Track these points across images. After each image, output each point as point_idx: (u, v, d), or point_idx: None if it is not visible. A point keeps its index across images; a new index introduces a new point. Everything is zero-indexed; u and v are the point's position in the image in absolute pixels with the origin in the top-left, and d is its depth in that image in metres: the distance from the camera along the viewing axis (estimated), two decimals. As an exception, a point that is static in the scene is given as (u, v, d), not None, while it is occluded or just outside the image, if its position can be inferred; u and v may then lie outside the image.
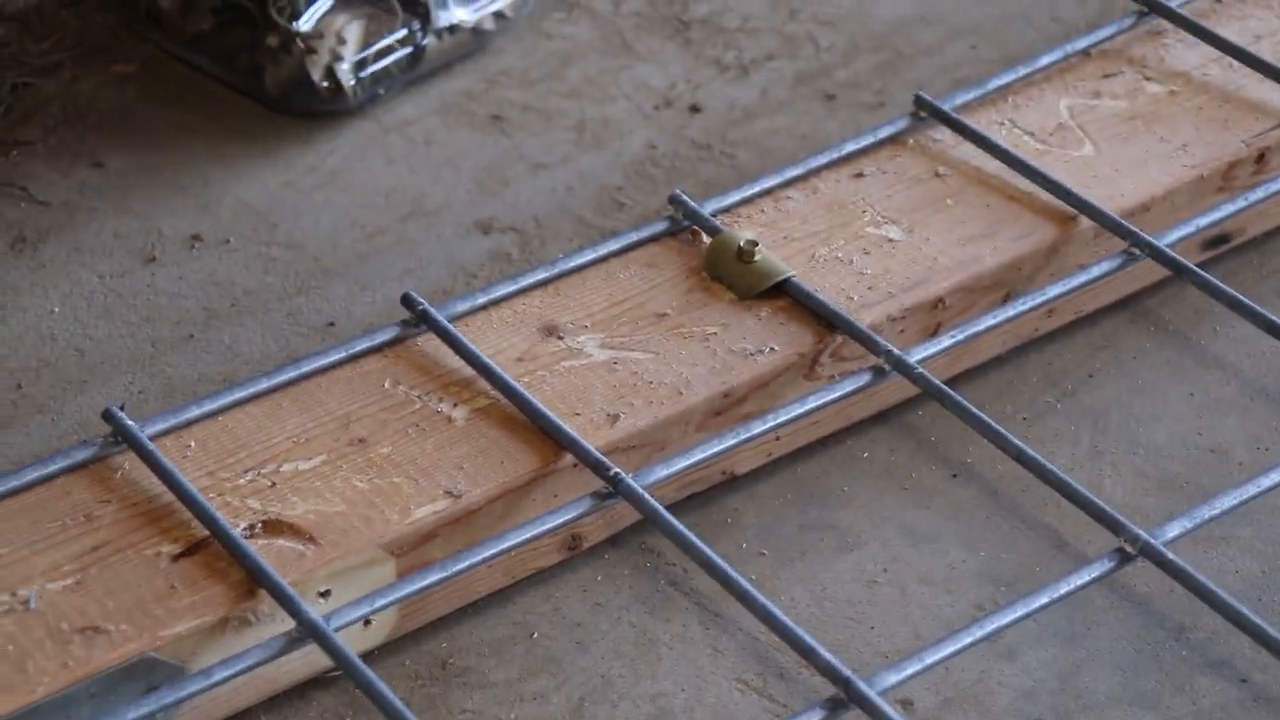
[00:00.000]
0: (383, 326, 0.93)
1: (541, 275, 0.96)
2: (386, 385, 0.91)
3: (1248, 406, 0.97)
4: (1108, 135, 1.06)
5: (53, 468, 0.85)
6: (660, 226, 0.99)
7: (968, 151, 1.04)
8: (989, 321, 0.96)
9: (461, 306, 0.94)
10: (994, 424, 0.90)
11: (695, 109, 1.15)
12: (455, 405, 0.90)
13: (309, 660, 0.83)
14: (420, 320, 0.93)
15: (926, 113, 1.05)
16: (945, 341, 0.94)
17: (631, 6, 1.21)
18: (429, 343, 0.93)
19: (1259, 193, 1.02)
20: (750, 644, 0.87)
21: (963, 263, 0.98)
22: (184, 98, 1.13)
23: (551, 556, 0.90)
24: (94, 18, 1.17)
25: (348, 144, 1.12)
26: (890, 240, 1.00)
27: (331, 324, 1.01)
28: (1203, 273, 0.97)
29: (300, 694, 0.84)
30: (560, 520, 0.85)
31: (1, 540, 0.83)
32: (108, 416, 0.87)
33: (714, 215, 1.00)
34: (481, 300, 0.95)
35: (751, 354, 0.93)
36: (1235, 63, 1.09)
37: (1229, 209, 1.01)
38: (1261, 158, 1.05)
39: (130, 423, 0.86)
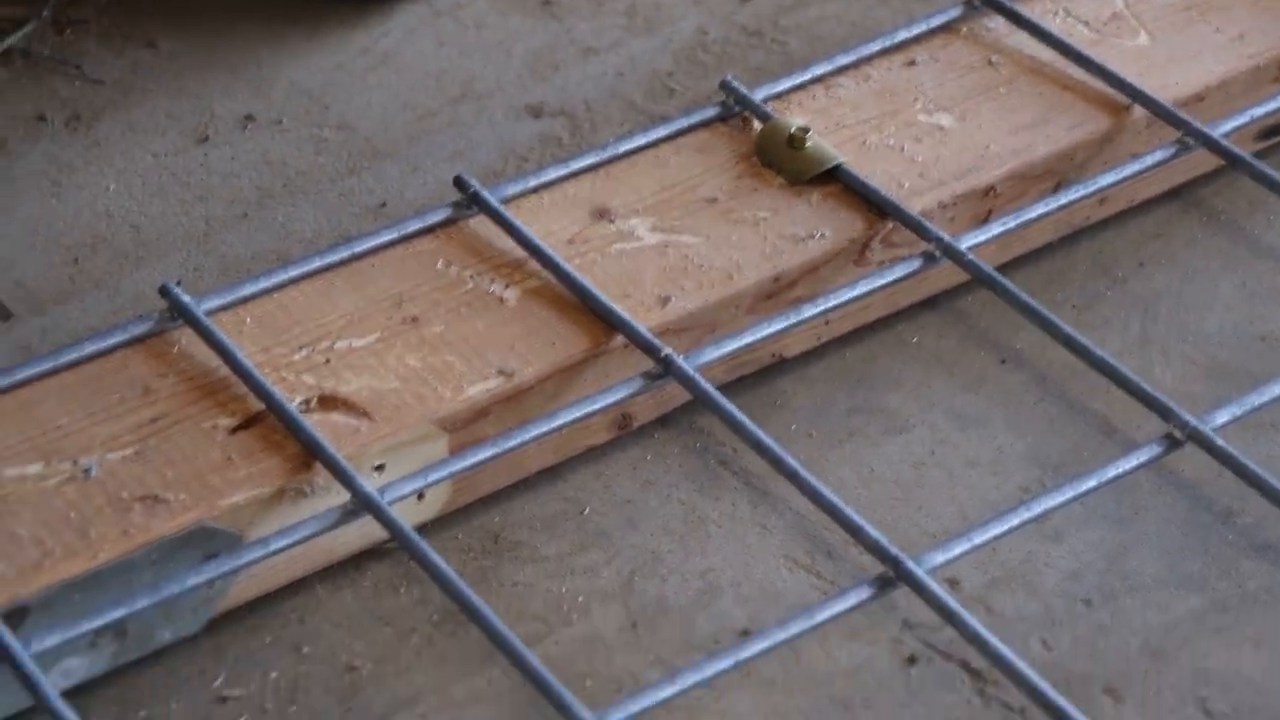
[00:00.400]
0: (435, 207, 0.94)
1: (592, 159, 0.97)
2: (439, 265, 0.92)
3: (1298, 296, 0.97)
4: (1163, 24, 1.05)
5: (111, 341, 0.86)
6: (711, 112, 0.99)
7: (1021, 40, 1.04)
8: (1040, 209, 0.96)
9: (513, 189, 0.95)
10: (1044, 310, 0.90)
11: (746, -5, 1.14)
12: (507, 286, 0.91)
13: (363, 532, 0.84)
14: (472, 202, 0.93)
15: (980, 1, 1.05)
16: (996, 229, 0.95)
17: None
18: (481, 224, 0.93)
19: (1314, 83, 1.02)
20: (798, 523, 0.87)
21: (1015, 151, 0.98)
22: (235, -20, 1.14)
23: (602, 435, 0.90)
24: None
25: (399, 26, 1.12)
26: (941, 128, 1.00)
27: (383, 204, 1.02)
28: (1257, 162, 0.97)
29: (355, 564, 0.85)
30: (611, 399, 0.86)
31: (61, 410, 0.84)
32: (164, 292, 0.88)
33: (765, 101, 1.00)
34: (533, 183, 0.95)
35: (802, 239, 0.94)
36: (1292, -47, 1.08)
37: (1283, 99, 1.01)
38: (1317, 48, 1.05)
39: (187, 298, 0.87)
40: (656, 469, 0.90)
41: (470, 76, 1.09)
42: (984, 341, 0.96)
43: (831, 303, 0.91)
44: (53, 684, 0.74)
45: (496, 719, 0.79)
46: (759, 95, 1.00)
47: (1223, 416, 0.87)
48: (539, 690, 0.75)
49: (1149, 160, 0.98)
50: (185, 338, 0.87)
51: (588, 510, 0.88)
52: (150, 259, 0.98)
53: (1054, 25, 1.04)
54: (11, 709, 0.78)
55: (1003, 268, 0.97)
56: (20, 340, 0.93)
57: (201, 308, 0.87)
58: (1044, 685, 0.76)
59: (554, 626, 0.83)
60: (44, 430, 0.83)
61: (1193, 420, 0.86)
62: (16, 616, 0.76)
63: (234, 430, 0.84)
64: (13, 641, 0.74)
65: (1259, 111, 1.00)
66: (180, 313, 0.87)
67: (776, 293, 0.93)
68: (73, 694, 0.78)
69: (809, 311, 0.91)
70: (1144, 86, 1.00)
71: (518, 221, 0.92)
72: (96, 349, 0.86)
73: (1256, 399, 0.88)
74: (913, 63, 1.03)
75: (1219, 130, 0.98)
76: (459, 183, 0.94)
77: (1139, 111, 1.00)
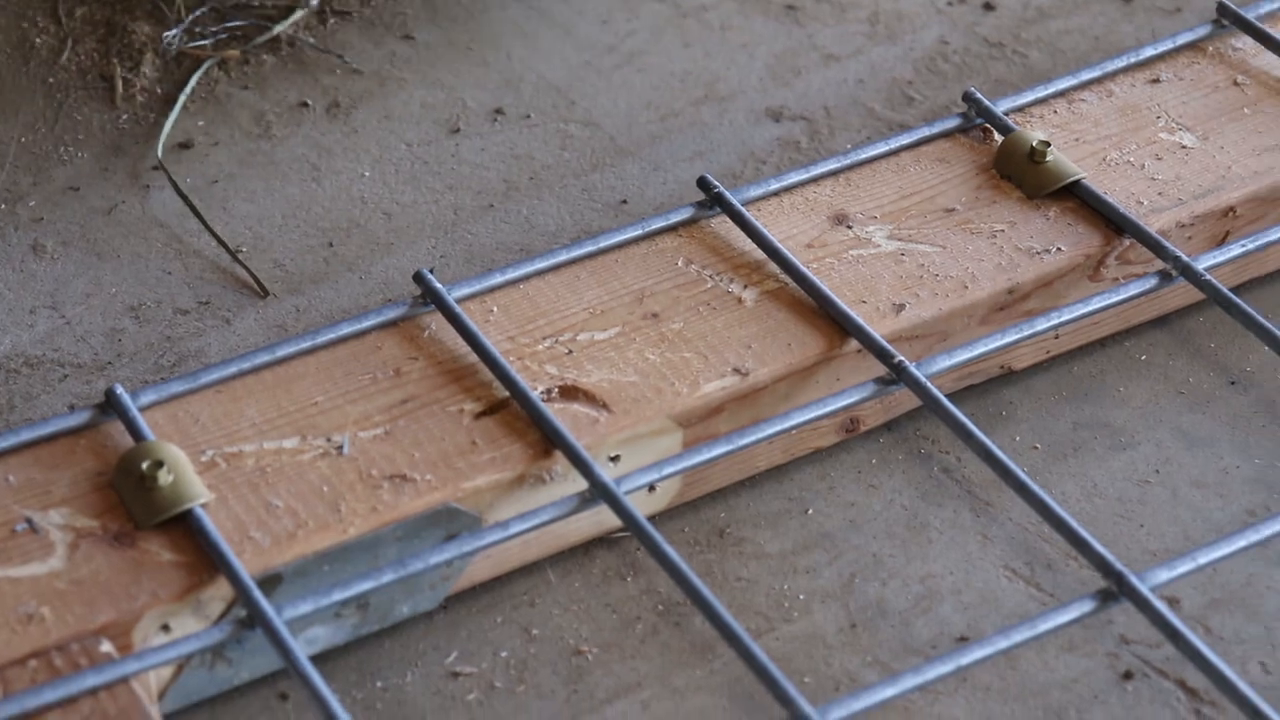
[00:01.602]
0: (678, 206, 0.96)
1: (833, 165, 0.98)
2: (680, 263, 0.94)
3: None
4: None
5: (366, 324, 0.90)
6: (952, 122, 1.01)
7: (1269, 61, 1.03)
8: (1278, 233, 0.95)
9: (754, 191, 0.97)
10: (1278, 331, 0.90)
11: (989, 6, 1.15)
12: (745, 286, 0.93)
13: (596, 520, 0.87)
14: (714, 202, 0.96)
15: (1229, 20, 1.05)
16: (1234, 250, 0.94)
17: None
18: (721, 225, 0.96)
19: None
20: (1019, 534, 0.89)
21: (1257, 173, 0.98)
22: (490, -25, 1.17)
23: (829, 437, 0.92)
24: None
25: (646, 26, 1.14)
26: (1183, 147, 1.00)
27: (624, 201, 1.05)
28: None
29: (585, 551, 0.88)
30: (843, 403, 0.88)
31: (317, 388, 0.88)
32: (418, 278, 0.91)
33: (1007, 114, 1.01)
34: (774, 186, 0.97)
35: (1038, 253, 0.94)
36: None
37: None
38: None
39: (439, 285, 0.91)
40: (881, 474, 0.92)
41: (713, 78, 1.12)
42: (1214, 362, 0.96)
43: (1064, 317, 0.92)
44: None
45: (717, 709, 0.82)
46: (1001, 107, 1.01)
47: None
48: (763, 682, 0.77)
49: (1392, 188, 0.97)
50: (436, 323, 0.91)
51: (811, 510, 0.90)
52: (400, 245, 1.02)
53: (1302, 47, 1.04)
54: (261, 670, 0.82)
55: (1237, 290, 0.97)
56: (275, 319, 0.98)
57: (452, 295, 0.91)
58: (1265, 705, 0.76)
59: (775, 622, 0.85)
60: (300, 406, 0.87)
61: None
62: (270, 583, 0.81)
63: (479, 415, 0.87)
64: (268, 607, 0.78)
65: None
66: (432, 298, 0.91)
67: (1010, 305, 0.94)
68: (316, 660, 0.82)
69: (1041, 325, 0.91)
70: (1390, 113, 0.99)
71: (758, 223, 0.94)
72: (353, 330, 0.90)
73: None
74: (1157, 80, 1.03)
75: None
76: (702, 183, 0.96)
77: (1385, 138, 0.99)
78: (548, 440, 0.86)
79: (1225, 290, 0.92)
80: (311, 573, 0.81)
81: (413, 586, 0.84)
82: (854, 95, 1.10)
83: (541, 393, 0.88)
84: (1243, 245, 0.95)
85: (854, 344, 0.90)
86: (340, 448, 0.85)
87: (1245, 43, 1.04)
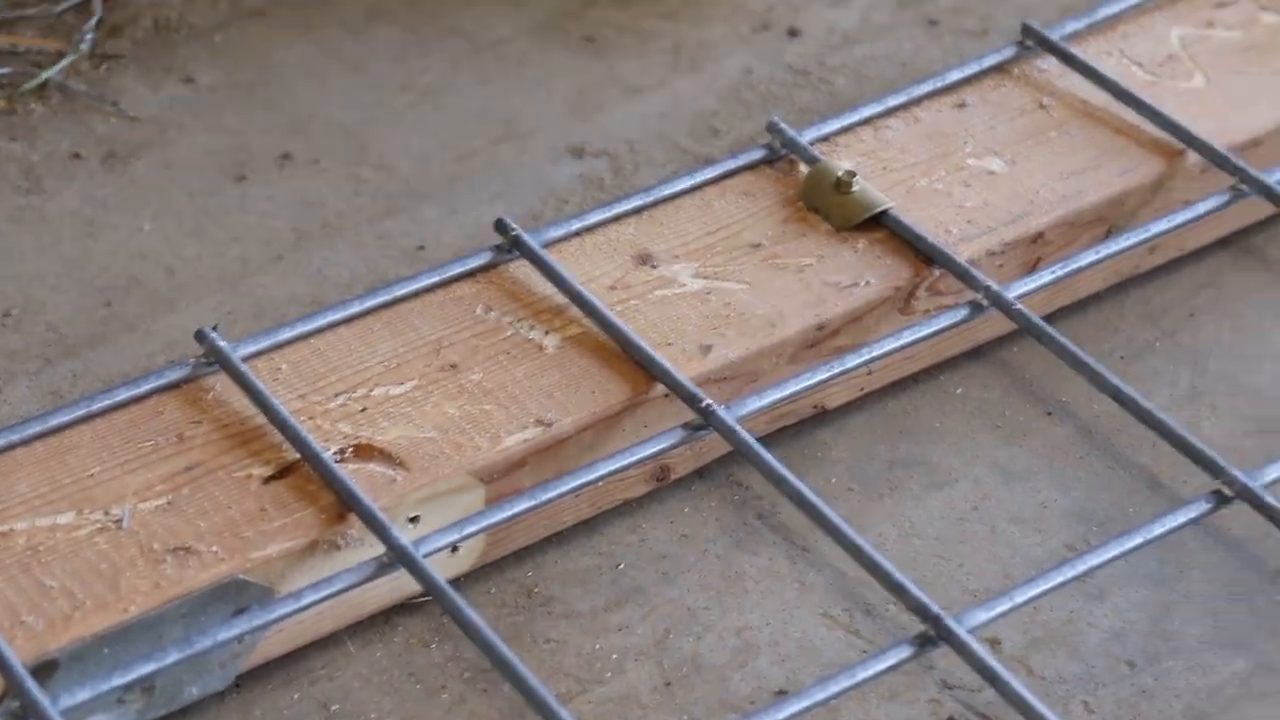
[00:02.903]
0: (475, 251, 0.92)
1: (636, 202, 0.95)
2: (478, 311, 0.91)
3: (1354, 350, 0.96)
4: (1219, 67, 1.03)
5: (146, 387, 0.86)
6: (757, 154, 0.98)
7: (1074, 83, 1.02)
8: (1090, 258, 0.94)
9: (555, 233, 0.93)
10: (1091, 362, 0.88)
11: (794, 33, 1.13)
12: (547, 332, 0.90)
13: (396, 586, 0.83)
14: (513, 246, 0.92)
15: (1033, 41, 1.03)
16: (1045, 277, 0.93)
17: (730, -75, 1.19)
18: (521, 269, 0.92)
19: (1372, 130, 1.00)
20: (837, 579, 0.86)
21: (1065, 197, 0.97)
22: (275, 13, 1.13)
23: (639, 487, 0.89)
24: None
25: (440, 63, 1.11)
26: (991, 173, 0.98)
27: (421, 247, 1.01)
28: (1312, 212, 0.95)
29: (386, 619, 0.84)
30: (650, 451, 0.85)
31: (94, 459, 0.83)
32: (200, 337, 0.87)
33: (812, 144, 0.98)
34: (575, 226, 0.94)
35: (847, 286, 0.92)
36: (1352, -6, 1.06)
37: (1341, 146, 0.99)
38: (1376, 93, 1.03)
39: (223, 344, 0.86)
40: (693, 522, 0.89)
41: (512, 114, 1.08)
42: (1029, 393, 0.95)
43: (875, 352, 0.90)
44: (80, 740, 0.74)
45: (528, 778, 0.79)
46: (806, 137, 0.99)
47: (1273, 473, 0.85)
48: (571, 754, 0.74)
49: (1202, 208, 0.96)
50: (221, 384, 0.86)
51: (623, 565, 0.87)
52: (183, 302, 0.97)
53: (1108, 67, 1.02)
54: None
55: (1050, 317, 0.96)
56: (49, 385, 0.93)
57: (238, 353, 0.86)
58: (1087, 756, 0.74)
59: (587, 684, 0.82)
60: (76, 478, 0.82)
61: (1242, 476, 0.84)
62: (45, 670, 0.76)
63: (268, 480, 0.83)
64: (41, 697, 0.73)
65: (1316, 159, 0.98)
66: (216, 358, 0.86)
67: (820, 341, 0.91)
68: (101, 747, 0.78)
69: (852, 361, 0.89)
70: (1198, 131, 0.98)
71: (559, 266, 0.91)
72: (130, 395, 0.85)
73: (1309, 458, 0.86)
74: (963, 104, 1.02)
75: (1275, 177, 0.96)
76: (500, 226, 0.93)
77: (1193, 157, 0.98)
78: (342, 503, 0.82)
79: (1036, 319, 0.90)
80: (90, 657, 0.77)
81: (201, 666, 0.80)
82: (658, 128, 1.07)
83: (334, 453, 0.84)
84: (1053, 272, 0.93)
85: (661, 388, 0.87)
86: (119, 521, 0.81)
87: (1050, 64, 1.03)
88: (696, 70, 1.11)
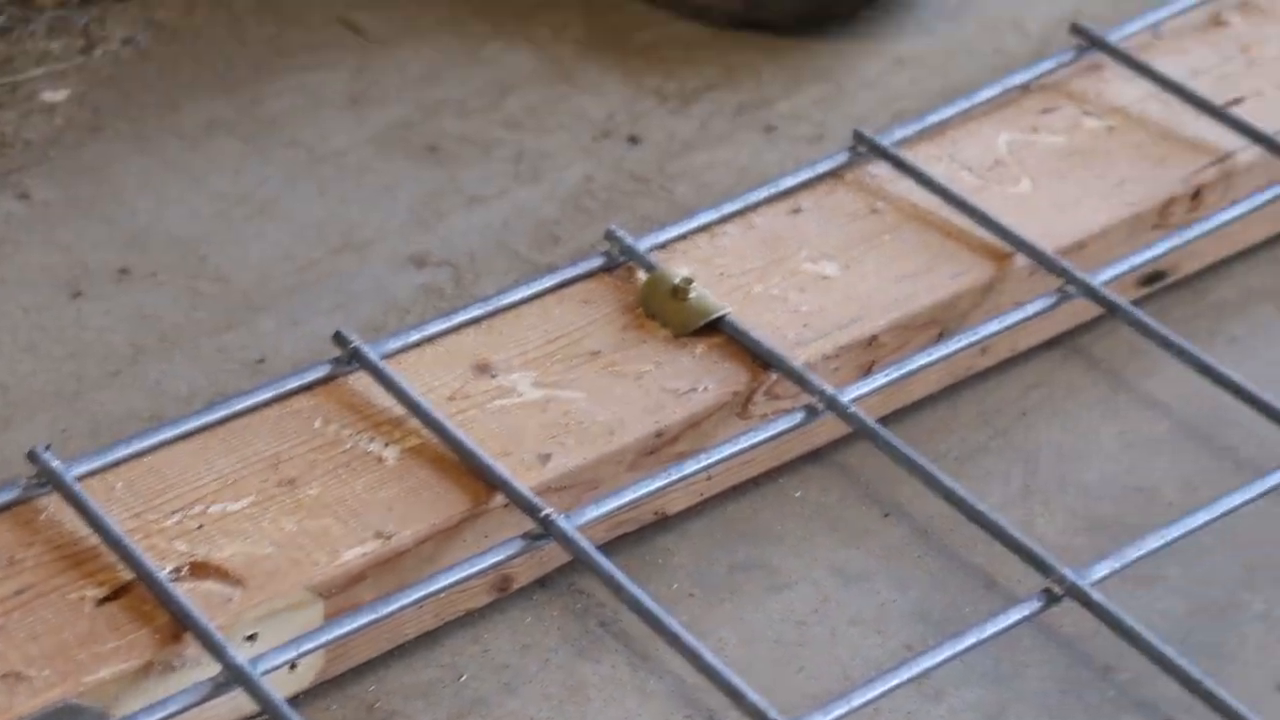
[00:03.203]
0: (313, 364, 0.92)
1: (476, 312, 0.96)
2: (317, 424, 0.90)
3: (1178, 446, 0.98)
4: (1046, 171, 1.06)
5: (-25, 509, 0.85)
6: (596, 262, 0.99)
7: (906, 187, 1.04)
8: (922, 360, 0.96)
9: (394, 344, 0.94)
10: (924, 463, 0.90)
11: (634, 140, 1.14)
12: (386, 445, 0.90)
13: (234, 706, 0.82)
14: (352, 358, 0.92)
15: (865, 148, 1.05)
16: (878, 380, 0.94)
17: (573, 33, 1.21)
18: (360, 381, 0.92)
19: (1194, 230, 1.02)
20: (679, 686, 0.86)
21: (898, 300, 0.98)
22: (112, 126, 1.12)
23: (480, 598, 0.89)
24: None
25: (280, 174, 1.11)
26: (826, 277, 1.00)
27: (261, 360, 1.00)
28: (1136, 311, 0.97)
29: (225, 738, 0.83)
30: (490, 562, 0.85)
31: (-78, 584, 0.82)
32: (32, 457, 0.86)
33: (650, 251, 1.00)
34: (415, 337, 0.94)
35: (685, 392, 0.93)
36: (1173, 98, 1.09)
37: (1164, 246, 1.01)
38: (1198, 194, 1.05)
39: (56, 463, 0.85)
40: (536, 632, 0.89)
41: (352, 225, 1.08)
42: (867, 495, 0.96)
43: (714, 458, 0.90)
44: None
45: None
46: (643, 245, 1.00)
47: (1101, 570, 0.87)
48: None
49: (1030, 309, 0.98)
50: (53, 504, 0.85)
51: (465, 677, 0.87)
52: (17, 420, 0.96)
53: (938, 171, 1.05)
54: None
55: (886, 418, 0.97)
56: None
57: (71, 473, 0.86)
58: None
59: (429, 799, 0.81)
60: (-97, 605, 0.81)
61: (1070, 575, 0.86)
62: None
63: (102, 601, 0.82)
64: None
65: (1139, 259, 1.01)
66: (49, 479, 0.85)
67: (659, 448, 0.92)
68: None
69: (691, 467, 0.90)
70: (1026, 234, 1.00)
71: (398, 377, 0.91)
72: (-40, 518, 0.84)
73: (1133, 552, 0.88)
74: (798, 210, 1.03)
75: (1099, 278, 0.99)
76: (339, 338, 0.93)
77: (1021, 259, 1.00)
78: (177, 623, 0.81)
79: (870, 422, 0.92)
80: (-83, 788, 0.75)
81: (33, 793, 0.78)
82: (499, 237, 1.08)
83: (170, 572, 0.83)
84: (886, 375, 0.95)
85: (501, 498, 0.87)
86: (-53, 648, 0.79)
87: (882, 169, 1.05)
88: (538, 179, 1.12)
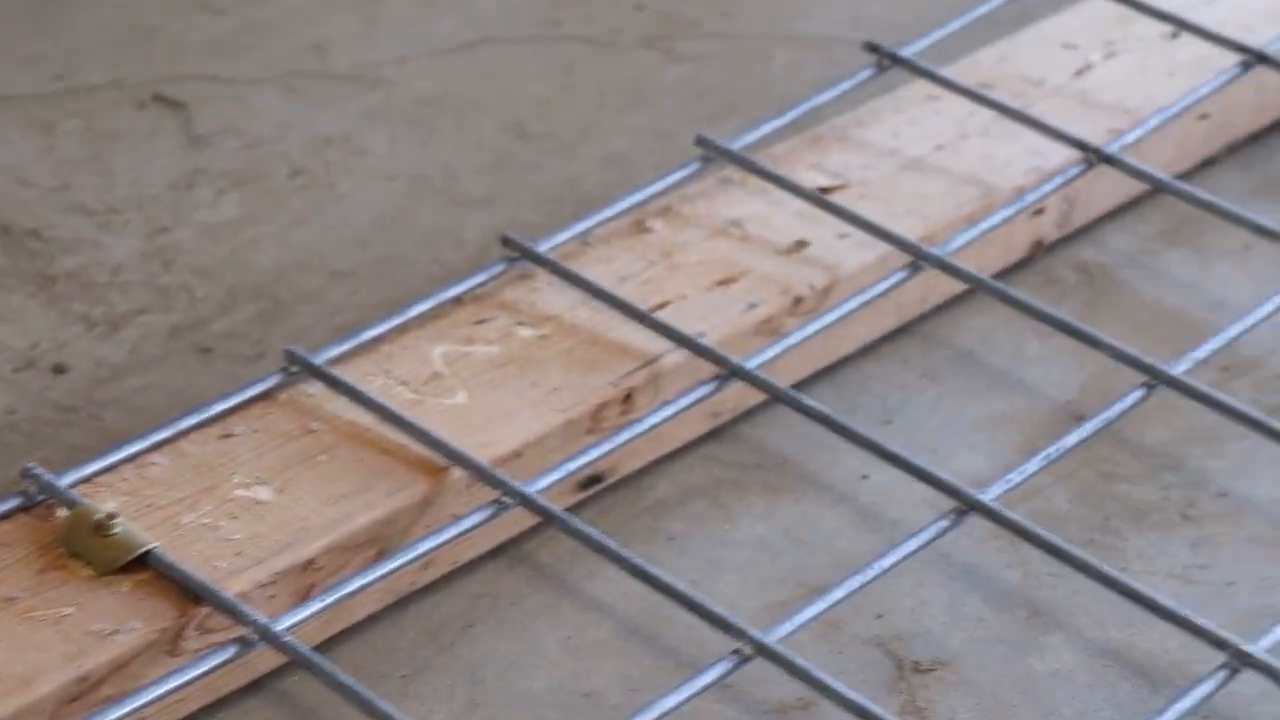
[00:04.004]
0: None
1: (-124, 564, 0.90)
2: None
3: (621, 647, 0.99)
4: (481, 382, 1.07)
5: None
6: (13, 502, 0.94)
7: (341, 405, 1.03)
8: (361, 581, 0.94)
9: None
10: (360, 689, 0.88)
11: (60, 369, 1.10)
12: None
13: None
14: None
15: (298, 367, 1.04)
16: (315, 606, 0.92)
17: (-2, 261, 1.16)
18: None
19: (627, 433, 1.04)
20: None
21: (334, 521, 0.97)
22: None
23: None
24: None
25: None
26: (260, 502, 0.98)
27: None
28: (570, 518, 0.98)
29: None
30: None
31: None
32: None
33: (73, 486, 0.95)
34: None
35: (110, 633, 0.89)
36: (603, 305, 1.12)
37: (598, 451, 1.03)
38: (628, 398, 1.08)
39: None
40: None
41: None
42: (311, 724, 0.93)
43: (142, 700, 0.86)
44: None
45: None
46: (65, 480, 0.96)
47: (549, 783, 0.86)
48: None
49: (468, 522, 0.98)
50: None
51: None
52: None
53: (373, 388, 1.04)
54: None
55: (330, 641, 0.95)
56: None
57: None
58: None
59: None
60: None
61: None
62: None
63: None
64: None
65: (574, 465, 1.02)
66: None
67: (84, 694, 0.87)
68: None
69: (114, 713, 0.86)
70: (462, 446, 1.00)
71: None
72: None
73: (580, 762, 0.88)
74: (230, 434, 1.01)
75: (535, 487, 0.99)
76: None
77: (457, 472, 1.00)
78: None
79: (304, 650, 0.89)
80: None
81: None
82: (-96, 480, 1.02)
83: None
84: (322, 600, 0.93)
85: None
86: None
87: (317, 389, 1.04)
88: (-46, 418, 1.06)
